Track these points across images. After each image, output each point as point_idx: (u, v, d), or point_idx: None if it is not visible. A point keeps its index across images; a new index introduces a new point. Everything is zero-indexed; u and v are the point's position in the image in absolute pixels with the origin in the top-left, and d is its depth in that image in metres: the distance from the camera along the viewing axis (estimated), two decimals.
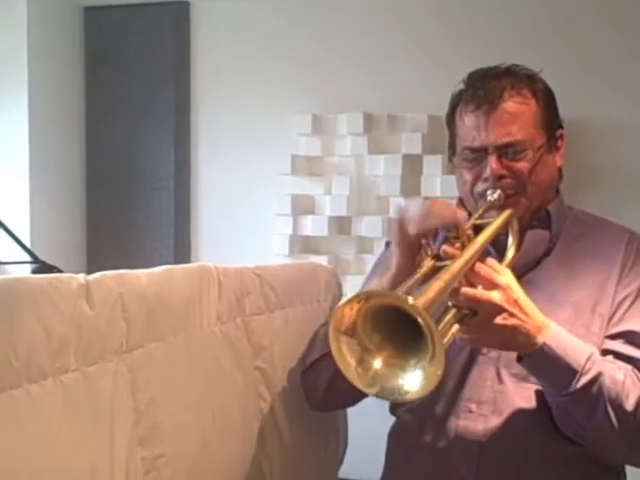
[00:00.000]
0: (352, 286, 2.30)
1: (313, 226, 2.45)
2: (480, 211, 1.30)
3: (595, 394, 1.16)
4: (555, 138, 1.38)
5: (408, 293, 1.00)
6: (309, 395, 1.48)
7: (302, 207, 2.50)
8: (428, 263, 1.13)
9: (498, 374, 1.29)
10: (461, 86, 1.38)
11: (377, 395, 1.01)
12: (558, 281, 1.33)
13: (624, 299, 1.31)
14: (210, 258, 1.40)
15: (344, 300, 0.97)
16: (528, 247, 1.35)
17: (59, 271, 1.68)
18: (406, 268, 1.20)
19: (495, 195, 1.31)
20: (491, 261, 1.16)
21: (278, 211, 2.50)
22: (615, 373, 1.18)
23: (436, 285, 0.98)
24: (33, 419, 0.91)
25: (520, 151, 1.31)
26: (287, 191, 2.50)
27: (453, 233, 1.17)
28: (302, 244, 2.50)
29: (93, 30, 2.77)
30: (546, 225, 1.38)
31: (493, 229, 1.24)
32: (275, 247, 2.49)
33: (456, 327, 1.05)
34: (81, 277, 1.01)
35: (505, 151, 1.31)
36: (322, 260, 2.30)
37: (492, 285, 1.12)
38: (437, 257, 1.13)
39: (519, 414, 1.27)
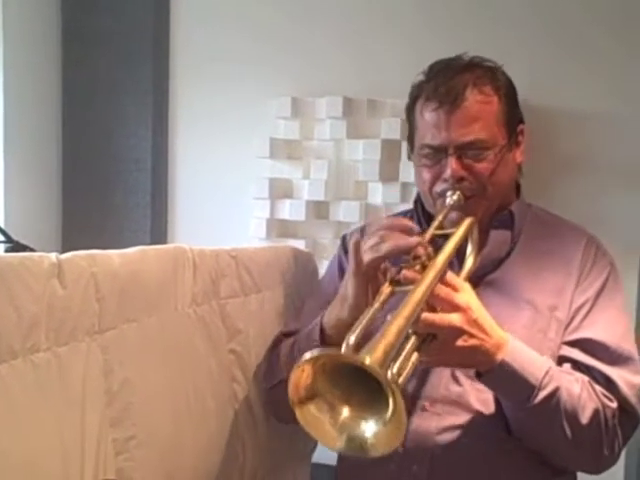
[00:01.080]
0: None
1: (291, 210, 2.44)
2: (440, 217, 1.27)
3: (552, 408, 1.17)
4: (516, 134, 1.36)
5: (367, 330, 0.97)
6: (277, 411, 1.46)
7: (280, 191, 2.48)
8: (387, 290, 1.09)
9: (454, 375, 1.29)
10: (421, 77, 1.36)
11: (345, 451, 0.96)
12: (518, 283, 1.33)
13: (582, 305, 1.31)
14: (187, 241, 1.38)
15: (295, 367, 0.92)
16: (491, 248, 1.35)
17: (32, 251, 1.66)
18: (364, 297, 1.17)
19: (455, 197, 1.29)
20: (450, 276, 1.13)
21: (256, 194, 2.48)
22: (572, 386, 1.19)
23: (391, 332, 0.94)
24: (2, 399, 0.90)
25: (481, 151, 1.29)
26: (265, 174, 2.48)
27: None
28: (279, 228, 2.49)
29: (70, 8, 2.73)
30: (508, 225, 1.37)
31: (453, 245, 1.20)
32: (252, 231, 2.47)
33: (416, 356, 1.01)
34: (53, 256, 1.00)
35: (466, 151, 1.29)
36: (299, 244, 2.29)
37: (452, 307, 1.09)
38: (397, 282, 1.10)
39: (473, 415, 1.27)
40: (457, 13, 2.30)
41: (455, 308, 1.09)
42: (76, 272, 1.03)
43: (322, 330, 1.29)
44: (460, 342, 1.09)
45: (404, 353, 0.98)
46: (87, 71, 2.72)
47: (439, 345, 1.08)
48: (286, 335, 1.47)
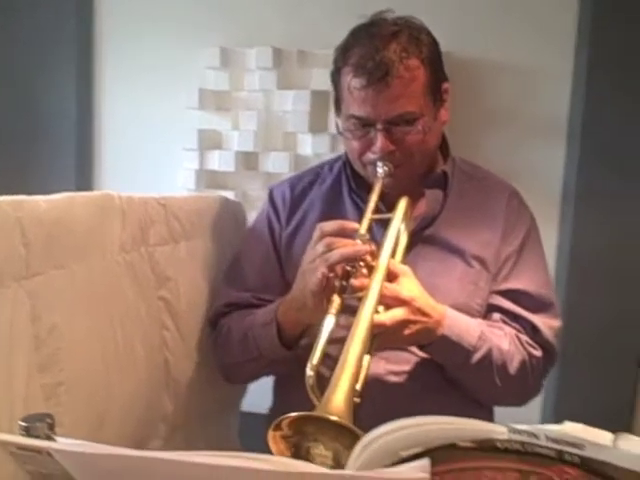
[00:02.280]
0: None
1: (220, 161, 2.43)
2: (372, 205, 1.29)
3: (485, 366, 1.28)
4: (441, 94, 1.38)
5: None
6: (231, 380, 1.54)
7: (209, 142, 2.47)
8: (337, 299, 1.14)
9: None
10: (345, 43, 1.34)
11: None
12: (450, 238, 1.38)
13: (508, 257, 1.39)
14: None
15: (269, 440, 0.91)
16: (427, 207, 1.40)
17: None
18: (322, 302, 1.19)
19: (385, 168, 1.32)
20: (391, 264, 1.20)
21: (185, 145, 2.46)
22: (501, 343, 1.30)
23: (350, 365, 1.01)
24: None
25: (410, 123, 1.30)
26: (194, 125, 2.46)
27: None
28: (209, 179, 2.48)
29: None
30: (441, 185, 1.42)
31: (395, 234, 1.26)
32: (181, 182, 2.45)
33: (368, 359, 1.08)
34: None
35: (394, 124, 1.30)
36: (229, 195, 2.28)
37: (398, 302, 1.17)
38: (346, 290, 1.16)
39: (417, 360, 1.34)
40: None
41: (401, 303, 1.17)
42: (1, 218, 1.02)
43: (279, 325, 1.32)
44: (407, 331, 1.18)
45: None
46: (11, 23, 2.63)
47: (387, 337, 1.16)
48: (227, 306, 1.48)
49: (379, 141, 1.30)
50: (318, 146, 2.35)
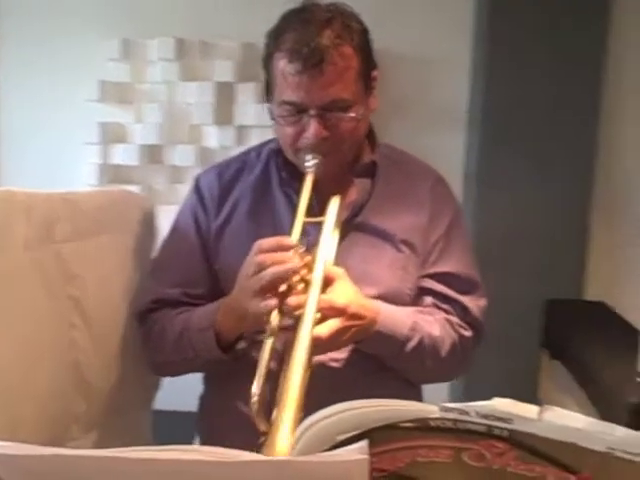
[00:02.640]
0: (165, 216, 2.27)
1: (124, 155, 2.38)
2: (303, 206, 1.28)
3: (418, 353, 1.33)
4: (371, 80, 1.38)
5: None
6: (161, 375, 1.54)
7: (112, 135, 2.41)
8: (275, 319, 1.15)
9: None
10: (277, 27, 1.33)
11: None
12: (379, 225, 1.40)
13: (437, 241, 1.42)
14: None
15: None
16: (357, 195, 1.41)
17: None
18: (259, 321, 1.20)
19: (315, 161, 1.31)
20: (325, 270, 1.21)
21: (86, 139, 2.40)
22: (433, 329, 1.35)
23: (293, 395, 1.01)
24: None
25: (343, 110, 1.30)
26: (95, 119, 2.40)
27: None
28: (112, 174, 2.42)
29: None
30: (370, 173, 1.43)
31: (329, 239, 1.27)
32: (84, 177, 2.39)
33: (309, 373, 1.08)
34: None
35: (328, 111, 1.29)
36: (134, 190, 2.25)
37: (335, 312, 1.19)
38: (283, 310, 1.17)
39: (354, 347, 1.34)
40: None
41: (337, 312, 1.19)
42: None
43: (216, 330, 1.31)
44: (344, 337, 1.21)
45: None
46: None
47: (326, 346, 1.18)
48: (155, 302, 1.44)
49: (312, 127, 1.29)
50: (224, 138, 2.34)
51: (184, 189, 2.39)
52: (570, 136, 2.37)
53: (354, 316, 1.22)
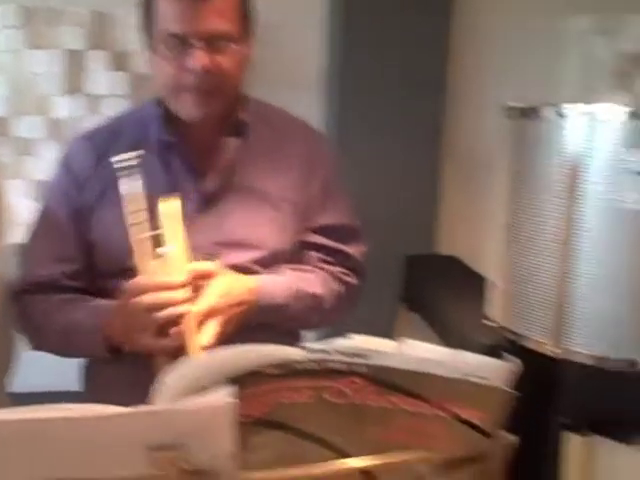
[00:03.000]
0: (13, 191, 2.18)
1: None
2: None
3: (303, 312, 1.39)
4: (251, 23, 1.36)
5: None
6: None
7: None
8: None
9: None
10: None
11: None
12: (256, 184, 1.39)
13: (315, 195, 1.44)
14: None
15: None
16: (229, 156, 1.38)
17: None
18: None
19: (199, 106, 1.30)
20: (197, 271, 1.21)
21: None
22: (315, 289, 1.40)
23: None
24: None
25: (226, 43, 1.28)
26: None
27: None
28: None
29: None
30: (240, 132, 1.39)
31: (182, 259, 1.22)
32: None
33: None
34: None
35: (211, 43, 1.26)
36: None
37: (214, 313, 1.20)
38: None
39: None
40: None
41: (216, 312, 1.21)
42: None
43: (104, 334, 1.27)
44: (230, 327, 1.23)
45: None
46: None
47: (215, 343, 1.18)
48: (30, 284, 1.37)
49: (197, 56, 1.25)
50: (75, 109, 2.27)
51: (32, 161, 2.31)
52: (421, 84, 2.43)
53: (234, 306, 1.24)
